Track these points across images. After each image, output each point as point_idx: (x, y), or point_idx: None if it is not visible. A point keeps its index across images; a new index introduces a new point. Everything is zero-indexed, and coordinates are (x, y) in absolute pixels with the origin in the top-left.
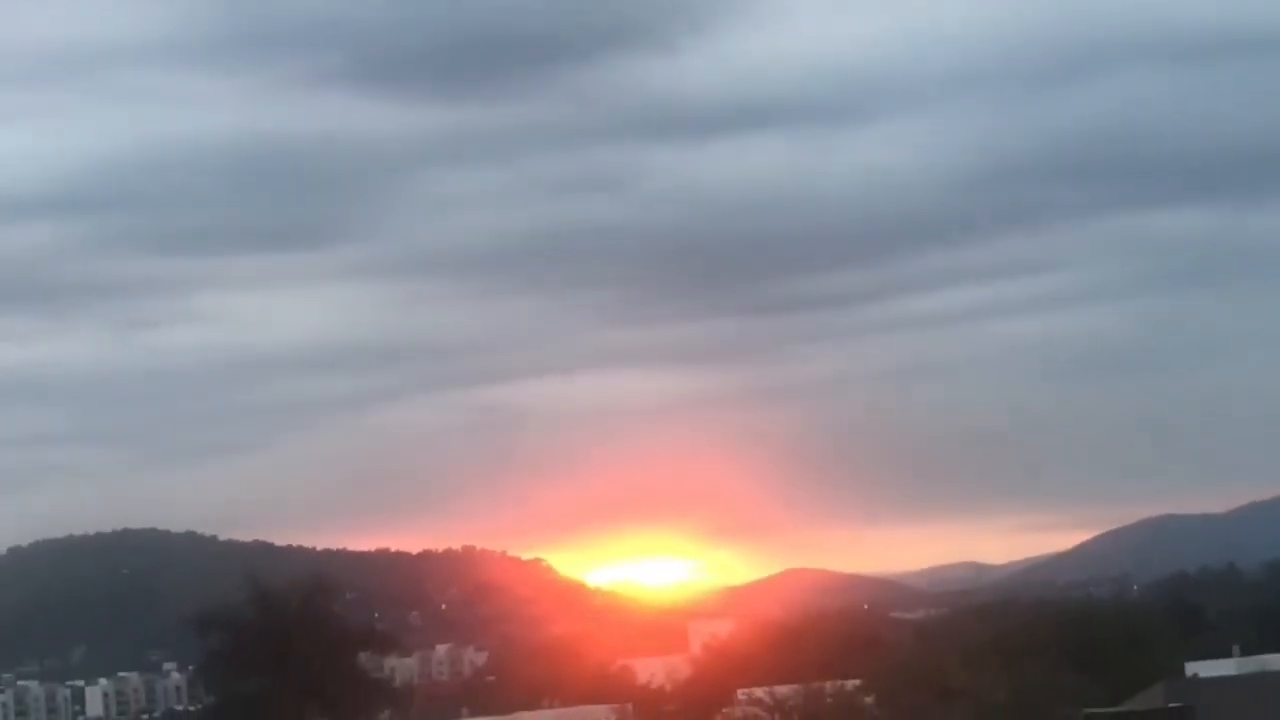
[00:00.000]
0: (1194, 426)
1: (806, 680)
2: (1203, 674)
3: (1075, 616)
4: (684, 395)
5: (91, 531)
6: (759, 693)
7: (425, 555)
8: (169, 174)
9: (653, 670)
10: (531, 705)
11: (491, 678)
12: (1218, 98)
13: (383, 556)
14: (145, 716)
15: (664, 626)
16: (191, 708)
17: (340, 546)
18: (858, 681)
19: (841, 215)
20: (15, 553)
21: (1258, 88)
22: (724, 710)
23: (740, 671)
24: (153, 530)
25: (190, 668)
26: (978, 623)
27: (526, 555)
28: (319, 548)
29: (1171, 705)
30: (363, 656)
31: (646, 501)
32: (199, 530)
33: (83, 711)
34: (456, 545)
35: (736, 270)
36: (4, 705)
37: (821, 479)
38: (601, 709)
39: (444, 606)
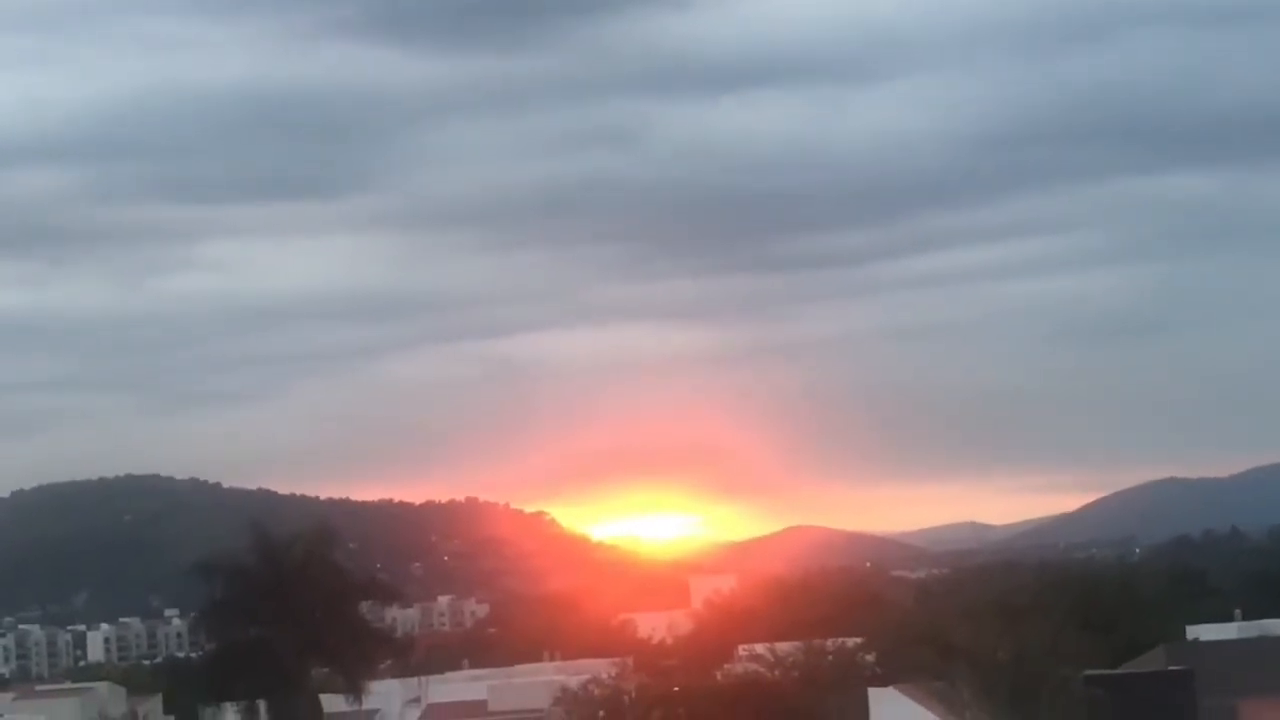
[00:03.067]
0: (1199, 390)
1: (807, 637)
2: (1204, 637)
3: (1077, 579)
4: (690, 351)
5: (95, 477)
6: (760, 649)
7: (428, 506)
8: (178, 122)
9: (654, 625)
10: (532, 658)
11: (493, 630)
12: (1233, 61)
13: (386, 507)
14: (147, 662)
15: (666, 581)
16: (193, 654)
17: (344, 496)
18: (859, 639)
19: (852, 174)
20: (18, 496)
21: (1274, 52)
22: (725, 666)
23: (741, 627)
24: (156, 476)
25: (192, 614)
26: (979, 583)
27: (530, 508)
28: (322, 497)
29: (1172, 668)
30: (364, 606)
31: (651, 457)
32: (202, 477)
33: (84, 656)
34: (460, 497)
35: (745, 227)
36: (5, 649)
37: (826, 437)
38: (602, 662)
39: (446, 558)
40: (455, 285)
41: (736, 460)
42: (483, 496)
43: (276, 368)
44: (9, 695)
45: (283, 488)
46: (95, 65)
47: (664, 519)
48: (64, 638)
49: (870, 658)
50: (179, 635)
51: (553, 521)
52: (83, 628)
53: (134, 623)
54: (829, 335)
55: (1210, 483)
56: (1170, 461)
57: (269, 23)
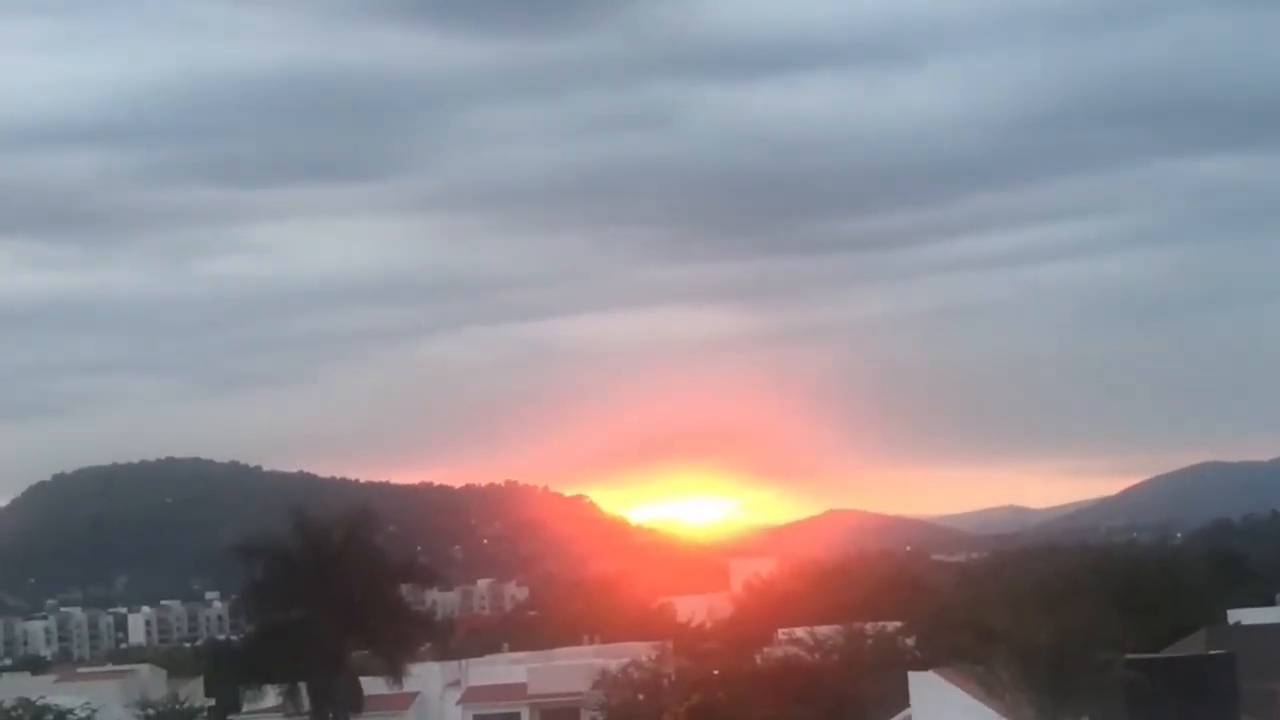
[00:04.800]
0: (1239, 373)
1: (847, 621)
2: (1245, 621)
3: (1118, 562)
4: (728, 334)
5: (136, 460)
6: (799, 632)
7: (468, 490)
8: (219, 104)
9: (693, 608)
10: (572, 641)
11: (532, 613)
12: (1274, 42)
13: (425, 490)
14: (188, 644)
15: (705, 565)
16: (234, 636)
17: (383, 479)
18: (898, 623)
19: (891, 156)
20: (60, 480)
21: None
22: (764, 649)
23: (781, 611)
24: (197, 459)
25: (233, 597)
26: (1020, 566)
27: (569, 491)
28: (362, 480)
29: (1213, 652)
30: (404, 589)
31: (690, 440)
32: (243, 460)
33: (125, 639)
34: (499, 480)
35: (784, 209)
36: (47, 631)
37: (865, 420)
38: (642, 646)
39: (486, 541)
40: (494, 268)
41: (775, 443)
42: (522, 480)
43: (316, 351)
44: (50, 677)
45: (323, 471)
46: (135, 48)
47: (703, 502)
48: (105, 620)
49: (910, 641)
50: (220, 617)
51: (592, 505)
52: (124, 610)
53: (175, 605)
54: (869, 317)
55: (1251, 466)
56: (1211, 445)
57: (309, 5)
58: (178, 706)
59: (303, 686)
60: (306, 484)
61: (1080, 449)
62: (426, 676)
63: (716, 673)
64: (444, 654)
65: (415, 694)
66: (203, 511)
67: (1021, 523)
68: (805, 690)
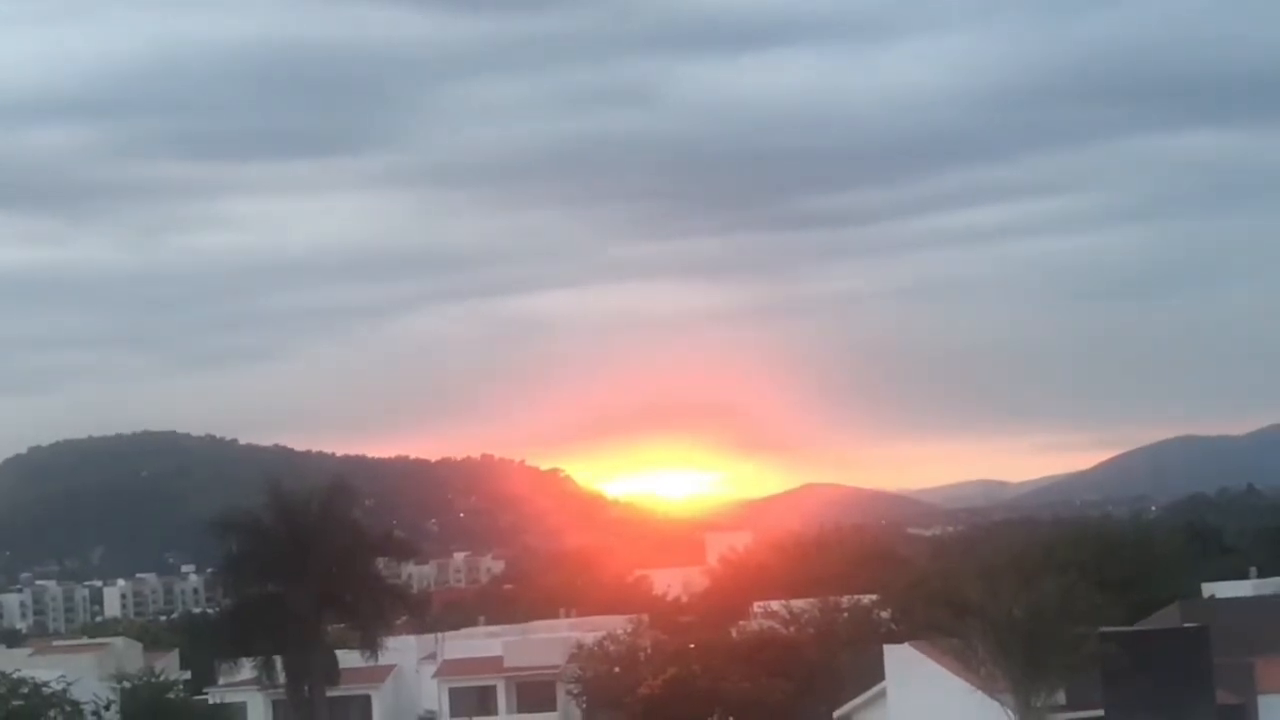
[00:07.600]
0: (1214, 348)
1: (823, 594)
2: (1220, 595)
3: (1092, 536)
4: (708, 308)
5: (112, 433)
6: (775, 605)
7: (444, 463)
8: (197, 79)
9: (670, 581)
10: (548, 614)
11: (509, 586)
12: (1250, 21)
13: (402, 464)
14: (163, 618)
15: (681, 538)
16: (209, 610)
17: (360, 453)
18: (874, 596)
19: (870, 132)
20: (35, 453)
21: None
22: (740, 622)
23: (757, 584)
24: (173, 433)
25: (208, 570)
26: (994, 540)
27: (545, 465)
28: (338, 454)
29: (1187, 625)
30: (380, 563)
31: (668, 414)
32: (219, 434)
33: (101, 612)
34: (476, 454)
35: (764, 185)
36: (22, 604)
37: (842, 395)
38: (618, 619)
39: (462, 514)
40: (474, 242)
41: (753, 417)
42: (498, 453)
43: (293, 325)
44: (26, 650)
45: (299, 444)
46: (116, 21)
47: (680, 476)
48: (81, 593)
49: (885, 614)
50: (195, 591)
51: (568, 478)
52: (99, 583)
53: (150, 578)
54: (847, 292)
55: (1226, 441)
56: (1186, 419)
57: None
58: (153, 679)
59: (278, 660)
60: (282, 457)
61: (1055, 423)
62: (402, 649)
63: (692, 646)
64: (420, 627)
65: (391, 667)
66: (178, 485)
67: (996, 497)
68: (780, 663)
